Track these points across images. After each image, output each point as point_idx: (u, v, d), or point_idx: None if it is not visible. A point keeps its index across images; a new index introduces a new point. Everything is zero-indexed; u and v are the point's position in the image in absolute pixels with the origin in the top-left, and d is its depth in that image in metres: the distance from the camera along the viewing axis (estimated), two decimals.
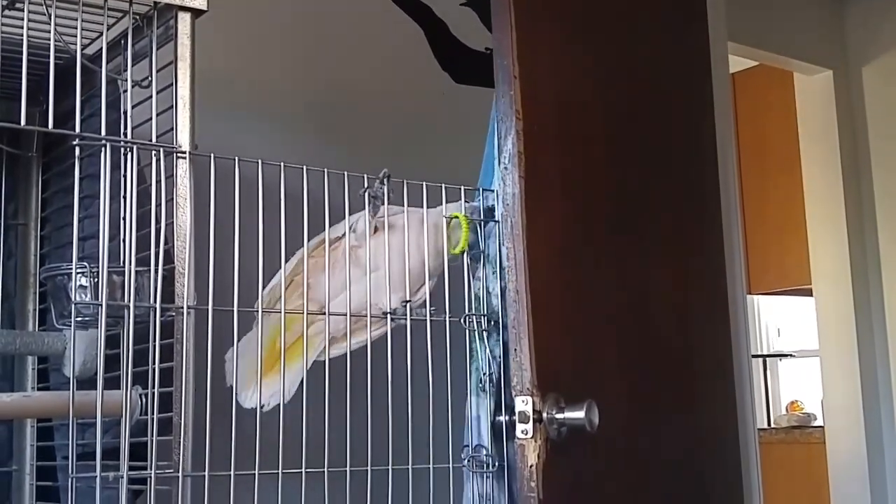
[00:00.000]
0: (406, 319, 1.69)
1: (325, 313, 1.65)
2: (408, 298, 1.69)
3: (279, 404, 1.60)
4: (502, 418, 1.65)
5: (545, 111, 1.69)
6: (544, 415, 1.51)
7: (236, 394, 1.62)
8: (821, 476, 4.10)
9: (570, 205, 1.74)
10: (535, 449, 1.49)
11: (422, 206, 1.74)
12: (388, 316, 1.69)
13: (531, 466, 1.49)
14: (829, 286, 4.10)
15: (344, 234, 1.71)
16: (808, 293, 4.27)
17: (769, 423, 5.17)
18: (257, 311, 1.60)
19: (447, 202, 1.76)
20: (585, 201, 1.78)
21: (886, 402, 3.99)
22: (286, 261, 1.63)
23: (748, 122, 4.79)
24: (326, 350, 1.68)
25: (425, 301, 1.72)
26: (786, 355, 5.44)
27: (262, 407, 1.60)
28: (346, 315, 1.65)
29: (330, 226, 1.67)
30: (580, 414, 1.52)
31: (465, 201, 1.76)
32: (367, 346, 1.68)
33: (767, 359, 5.41)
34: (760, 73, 4.65)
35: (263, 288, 1.61)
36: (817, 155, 4.16)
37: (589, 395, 1.55)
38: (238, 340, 1.57)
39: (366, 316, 1.68)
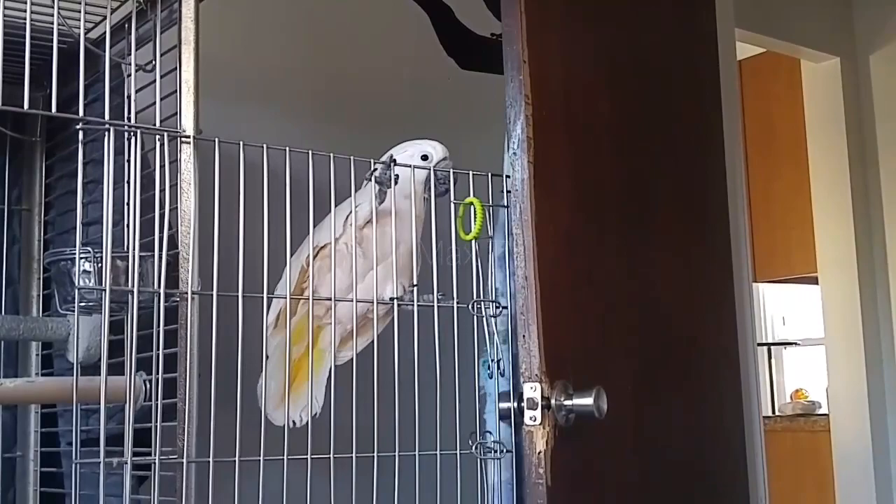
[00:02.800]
0: (413, 305, 1.68)
1: (343, 300, 1.65)
2: (415, 283, 1.69)
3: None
4: (509, 405, 1.64)
5: (554, 96, 1.68)
6: (553, 401, 1.51)
7: (266, 414, 1.65)
8: (825, 463, 4.10)
9: (578, 191, 1.73)
10: (543, 435, 1.49)
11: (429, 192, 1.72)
12: (395, 302, 1.67)
13: (539, 453, 1.49)
14: (834, 274, 4.09)
15: (341, 231, 1.70)
16: (814, 281, 4.26)
17: (774, 411, 5.16)
18: (262, 297, 1.59)
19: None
20: (593, 188, 1.77)
21: (891, 390, 3.98)
22: (290, 246, 1.62)
23: (755, 110, 4.77)
24: (333, 339, 1.67)
25: (433, 287, 1.71)
26: (791, 343, 5.43)
27: (294, 424, 1.62)
28: (351, 307, 1.65)
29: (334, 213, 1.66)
30: (588, 401, 1.52)
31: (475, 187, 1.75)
32: (373, 334, 1.67)
33: (772, 347, 5.41)
34: (767, 60, 4.64)
35: (268, 273, 1.60)
36: (824, 142, 4.15)
37: (597, 381, 1.54)
38: (242, 326, 1.56)
39: (371, 309, 1.67)
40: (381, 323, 1.70)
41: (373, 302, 1.67)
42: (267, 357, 1.60)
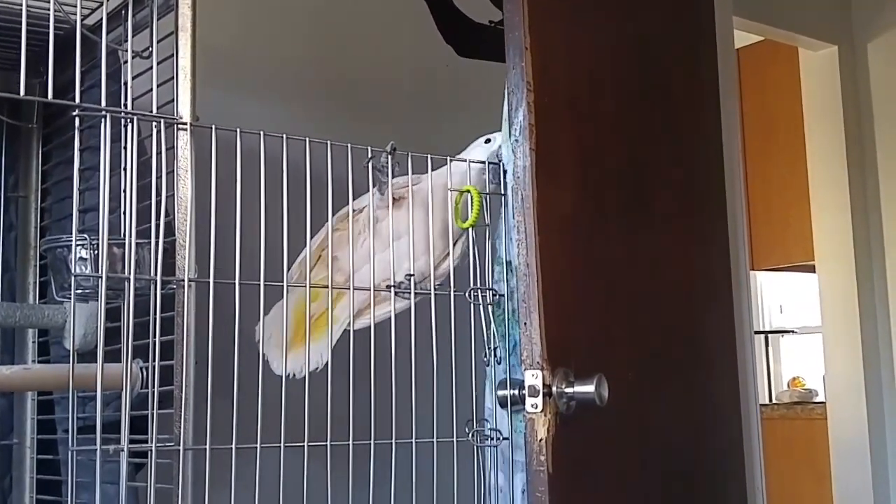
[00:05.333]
0: (410, 294, 1.68)
1: (341, 288, 1.66)
2: (412, 272, 1.69)
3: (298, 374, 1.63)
4: (507, 392, 1.64)
5: (556, 84, 1.68)
6: (554, 389, 1.51)
7: (268, 361, 1.66)
8: (822, 451, 4.10)
9: (579, 178, 1.73)
10: (544, 423, 1.49)
11: (426, 180, 1.72)
12: (392, 290, 1.67)
13: (540, 440, 1.48)
14: (831, 263, 4.09)
15: (365, 207, 1.71)
16: (811, 270, 4.26)
17: (771, 399, 5.17)
18: (259, 284, 1.59)
19: (454, 167, 1.76)
20: (594, 175, 1.77)
21: (888, 378, 3.99)
22: (288, 234, 1.62)
23: (753, 98, 4.76)
24: (330, 325, 1.67)
25: (431, 276, 1.72)
26: (788, 332, 5.43)
27: (291, 376, 1.63)
28: (368, 289, 1.67)
29: (334, 200, 1.66)
30: (590, 388, 1.52)
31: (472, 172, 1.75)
32: (371, 321, 1.67)
33: (770, 335, 5.41)
34: (765, 49, 4.63)
35: (265, 260, 1.60)
36: (821, 130, 4.14)
37: (598, 369, 1.54)
38: (239, 313, 1.56)
39: (385, 290, 1.68)
40: (387, 305, 1.70)
41: (370, 290, 1.67)
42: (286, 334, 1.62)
